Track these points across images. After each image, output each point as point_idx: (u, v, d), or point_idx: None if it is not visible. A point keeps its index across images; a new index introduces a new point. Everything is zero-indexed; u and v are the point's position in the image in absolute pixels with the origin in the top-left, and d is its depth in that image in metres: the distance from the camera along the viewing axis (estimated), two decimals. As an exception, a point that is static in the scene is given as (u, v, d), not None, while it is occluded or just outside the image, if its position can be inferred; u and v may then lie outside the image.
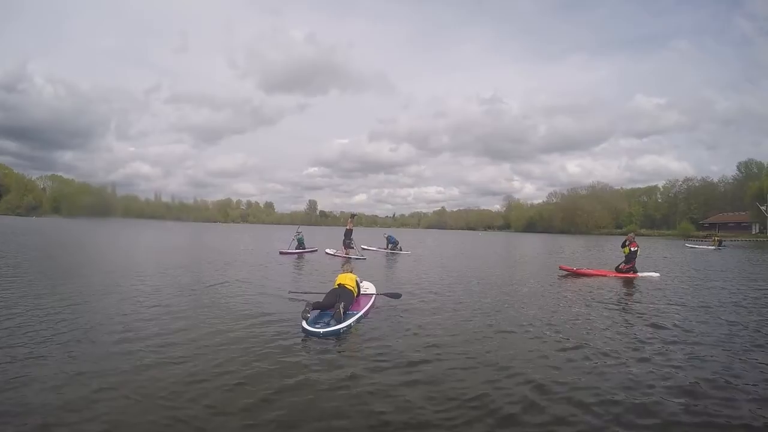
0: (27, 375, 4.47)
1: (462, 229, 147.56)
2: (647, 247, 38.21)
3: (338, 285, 7.88)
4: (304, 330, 6.38)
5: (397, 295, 8.78)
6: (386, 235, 26.60)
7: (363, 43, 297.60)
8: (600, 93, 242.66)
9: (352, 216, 24.36)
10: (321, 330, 6.33)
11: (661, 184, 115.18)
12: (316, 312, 7.08)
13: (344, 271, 8.51)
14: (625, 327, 7.10)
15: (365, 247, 24.58)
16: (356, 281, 8.26)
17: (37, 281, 10.45)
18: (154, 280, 11.17)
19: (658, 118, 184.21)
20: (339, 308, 6.79)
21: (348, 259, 19.14)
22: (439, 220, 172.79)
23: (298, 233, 23.17)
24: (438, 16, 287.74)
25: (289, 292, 9.47)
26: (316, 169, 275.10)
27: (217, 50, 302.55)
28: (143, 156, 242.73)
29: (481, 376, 4.69)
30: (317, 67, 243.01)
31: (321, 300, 7.43)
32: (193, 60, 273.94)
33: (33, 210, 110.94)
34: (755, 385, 4.59)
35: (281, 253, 20.80)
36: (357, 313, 7.22)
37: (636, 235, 16.02)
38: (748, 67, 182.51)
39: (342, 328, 6.48)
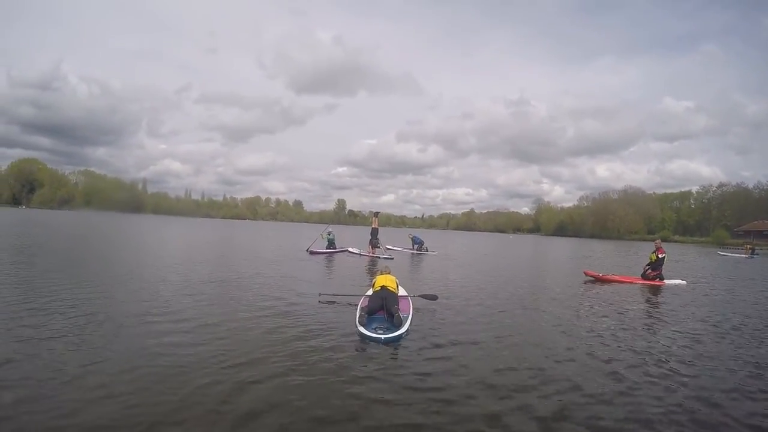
0: (62, 352, 4.82)
1: (491, 231, 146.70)
2: (680, 253, 37.50)
3: (381, 287, 7.57)
4: (364, 336, 6.14)
5: (433, 297, 8.57)
6: (411, 236, 26.57)
7: (389, 44, 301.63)
8: (627, 96, 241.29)
9: (376, 214, 24.05)
10: (383, 336, 6.06)
11: (694, 189, 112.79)
12: (365, 316, 6.84)
13: (383, 273, 8.26)
14: (648, 341, 6.89)
15: (390, 247, 24.60)
16: (396, 283, 7.99)
17: (78, 271, 10.99)
18: (187, 275, 11.51)
19: (687, 122, 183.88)
20: (399, 313, 6.70)
21: (381, 259, 19.20)
22: (468, 222, 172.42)
23: (330, 233, 22.70)
24: (463, 17, 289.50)
25: (320, 294, 9.13)
26: (344, 168, 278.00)
27: (247, 51, 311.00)
28: (174, 153, 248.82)
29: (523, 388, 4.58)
30: (345, 68, 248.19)
31: (367, 303, 7.30)
32: (222, 60, 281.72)
33: (65, 204, 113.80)
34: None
35: (311, 252, 20.40)
36: (408, 317, 6.95)
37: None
38: None
39: (403, 333, 6.28)
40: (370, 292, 8.66)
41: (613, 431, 3.77)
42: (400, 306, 7.31)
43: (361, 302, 7.90)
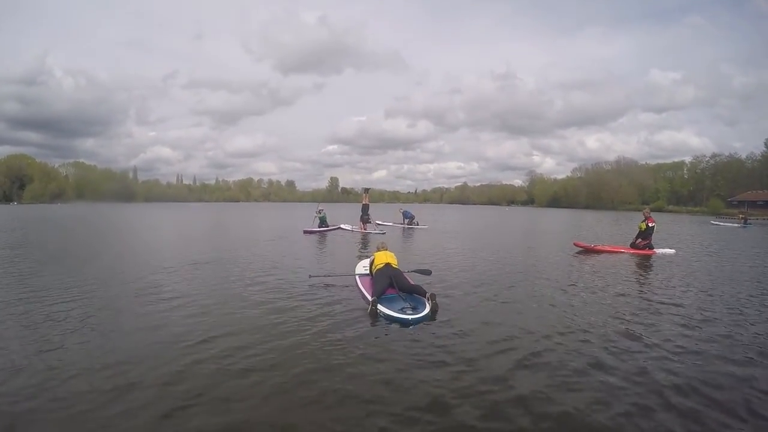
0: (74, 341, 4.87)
1: (485, 204, 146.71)
2: (674, 222, 37.61)
3: (384, 265, 7.22)
4: (389, 317, 5.87)
5: (427, 272, 8.39)
6: (402, 210, 26.79)
7: (375, 22, 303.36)
8: (615, 67, 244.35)
9: (366, 190, 24.34)
10: (410, 317, 5.79)
11: (687, 159, 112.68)
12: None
13: (380, 249, 7.96)
14: (632, 310, 6.91)
15: (380, 222, 24.70)
16: (396, 259, 7.66)
17: (70, 262, 11.27)
18: (182, 259, 11.57)
19: (674, 93, 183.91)
20: (428, 295, 6.46)
21: (373, 235, 19.54)
22: (462, 196, 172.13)
23: (320, 211, 22.66)
24: None
25: (310, 276, 8.57)
26: (335, 146, 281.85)
27: (232, 35, 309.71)
28: (163, 140, 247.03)
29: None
30: (331, 48, 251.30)
31: (373, 282, 6.98)
32: (208, 46, 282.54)
33: (57, 197, 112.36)
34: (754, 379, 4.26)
35: (305, 232, 20.32)
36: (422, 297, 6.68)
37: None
38: (765, 42, 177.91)
39: (428, 313, 6.01)
40: (361, 270, 8.63)
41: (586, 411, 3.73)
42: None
43: (362, 281, 7.73)
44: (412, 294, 6.79)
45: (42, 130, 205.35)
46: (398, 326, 5.68)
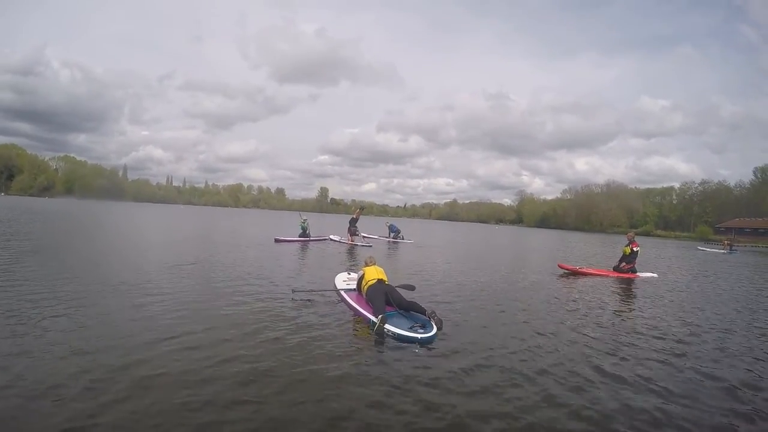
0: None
1: (473, 221, 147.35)
2: (659, 247, 37.86)
3: (376, 281, 6.97)
4: (399, 336, 5.59)
5: (411, 287, 7.68)
6: (388, 224, 26.89)
7: (372, 37, 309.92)
8: (607, 93, 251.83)
9: (362, 208, 24.73)
10: (419, 336, 5.56)
11: (676, 185, 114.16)
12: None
13: (368, 264, 7.65)
14: (611, 334, 6.84)
15: (366, 235, 24.47)
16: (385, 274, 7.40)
17: (47, 261, 10.86)
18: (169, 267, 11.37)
19: (664, 120, 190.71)
20: (429, 312, 6.23)
21: (359, 247, 19.44)
22: (451, 212, 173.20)
23: (304, 221, 21.92)
24: (446, 12, 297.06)
25: (293, 291, 8.12)
26: (326, 157, 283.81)
27: (230, 41, 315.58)
28: (156, 140, 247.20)
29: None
30: (327, 60, 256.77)
31: (367, 300, 6.78)
32: (206, 49, 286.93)
33: (45, 191, 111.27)
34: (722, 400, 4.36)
35: (276, 240, 19.64)
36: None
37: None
38: (753, 74, 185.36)
39: (437, 332, 5.79)
40: (342, 284, 8.43)
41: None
42: None
43: (350, 296, 7.45)
44: (410, 311, 6.56)
45: (35, 122, 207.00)
46: (395, 344, 5.49)
